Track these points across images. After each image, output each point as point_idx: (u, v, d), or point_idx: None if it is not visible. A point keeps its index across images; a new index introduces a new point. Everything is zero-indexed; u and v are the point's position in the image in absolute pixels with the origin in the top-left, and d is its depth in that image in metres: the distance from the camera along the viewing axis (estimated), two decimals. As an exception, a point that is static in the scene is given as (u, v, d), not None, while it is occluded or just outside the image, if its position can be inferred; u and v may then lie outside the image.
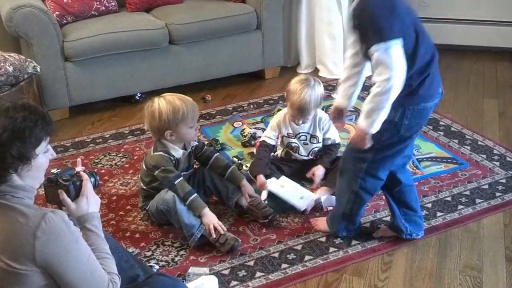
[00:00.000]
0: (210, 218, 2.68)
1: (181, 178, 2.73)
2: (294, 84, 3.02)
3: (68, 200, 1.91)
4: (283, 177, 3.07)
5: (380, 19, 2.16)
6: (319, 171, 3.07)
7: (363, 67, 2.50)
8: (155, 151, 2.78)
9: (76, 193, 1.93)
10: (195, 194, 2.71)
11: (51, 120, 1.79)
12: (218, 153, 3.01)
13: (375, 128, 2.28)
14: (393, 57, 2.16)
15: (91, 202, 1.94)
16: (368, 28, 2.20)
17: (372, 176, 2.52)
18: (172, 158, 2.76)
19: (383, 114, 2.25)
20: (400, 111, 2.33)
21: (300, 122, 3.07)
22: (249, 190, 2.90)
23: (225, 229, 2.71)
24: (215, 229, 2.66)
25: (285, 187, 3.01)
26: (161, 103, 2.69)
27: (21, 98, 2.41)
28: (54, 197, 1.93)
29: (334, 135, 3.16)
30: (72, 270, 1.70)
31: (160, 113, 2.67)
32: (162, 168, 2.71)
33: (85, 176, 1.97)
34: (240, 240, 2.72)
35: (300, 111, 2.99)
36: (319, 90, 3.01)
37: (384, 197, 2.78)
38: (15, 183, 1.71)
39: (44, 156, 1.77)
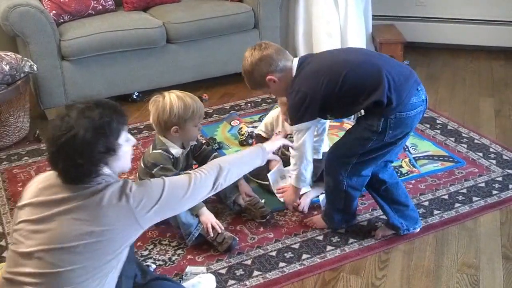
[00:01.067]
0: (208, 216, 2.69)
1: None
2: None
3: None
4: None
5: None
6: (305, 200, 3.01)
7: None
8: (154, 148, 2.78)
9: None
10: None
11: (123, 111, 1.94)
12: (216, 153, 3.01)
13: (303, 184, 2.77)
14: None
15: None
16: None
17: (356, 175, 2.59)
18: (171, 157, 2.76)
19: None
20: (383, 121, 2.41)
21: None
22: (247, 189, 2.91)
23: (223, 228, 2.72)
24: (213, 228, 2.67)
25: (284, 180, 3.01)
26: (173, 98, 2.69)
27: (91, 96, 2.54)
28: None
29: (324, 146, 3.10)
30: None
31: (172, 107, 2.67)
32: (161, 166, 2.71)
33: None
34: (237, 239, 2.72)
35: None
36: None
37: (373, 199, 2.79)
38: (106, 173, 1.88)
39: (127, 144, 1.94)
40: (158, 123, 2.72)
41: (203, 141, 3.56)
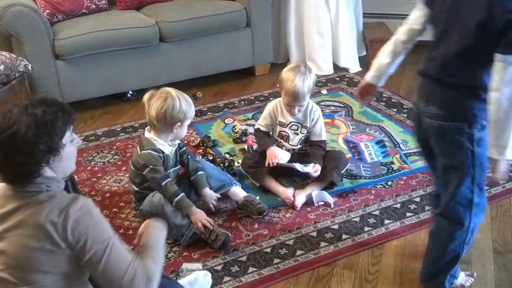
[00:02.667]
0: (198, 215, 2.72)
1: (169, 179, 2.76)
2: (286, 72, 3.05)
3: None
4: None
5: None
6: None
7: (410, 49, 2.37)
8: (142, 149, 2.79)
9: (73, 188, 1.97)
10: (182, 194, 2.75)
11: (71, 109, 1.81)
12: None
13: None
14: None
15: None
16: None
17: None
18: (162, 155, 2.78)
19: None
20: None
21: (296, 110, 3.06)
22: (210, 199, 2.91)
23: (214, 225, 2.75)
24: (205, 226, 2.70)
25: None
26: (180, 96, 2.73)
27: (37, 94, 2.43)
28: None
29: (322, 130, 3.17)
30: (99, 244, 1.73)
31: (180, 105, 2.70)
32: (151, 167, 2.73)
33: None
34: (230, 235, 2.76)
35: (296, 97, 3.00)
36: (311, 75, 3.04)
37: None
38: (48, 175, 1.75)
39: (71, 145, 1.81)
40: (164, 117, 2.71)
41: (198, 139, 3.62)
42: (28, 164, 1.69)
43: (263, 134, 3.21)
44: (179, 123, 2.74)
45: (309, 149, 3.19)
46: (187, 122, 2.79)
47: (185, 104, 2.72)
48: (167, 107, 2.69)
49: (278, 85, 3.12)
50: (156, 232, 2.03)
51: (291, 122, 3.15)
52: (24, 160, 1.68)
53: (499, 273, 2.55)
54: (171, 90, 2.75)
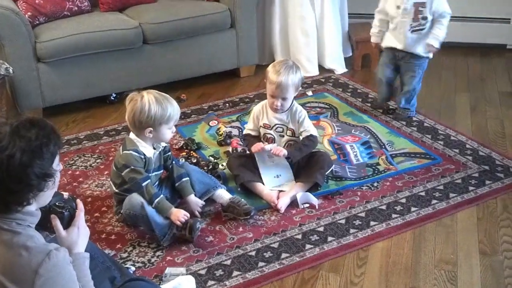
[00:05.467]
0: (176, 214, 2.70)
1: (148, 180, 2.73)
2: (273, 64, 3.09)
3: (61, 227, 1.88)
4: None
5: None
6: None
7: None
8: (124, 149, 2.76)
9: (68, 221, 1.91)
10: (161, 196, 2.73)
11: (59, 132, 1.77)
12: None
13: None
14: None
15: (81, 234, 1.92)
16: None
17: None
18: (143, 157, 2.75)
19: None
20: None
21: (279, 103, 3.03)
22: (195, 206, 2.89)
23: (188, 216, 2.72)
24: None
25: (271, 158, 3.07)
26: (151, 100, 2.67)
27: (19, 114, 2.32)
28: (44, 222, 1.87)
29: (309, 126, 3.13)
30: None
31: (149, 110, 2.66)
32: (131, 167, 2.70)
33: (80, 205, 1.95)
34: (200, 220, 2.76)
35: (278, 86, 2.98)
36: (298, 71, 3.05)
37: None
38: (27, 209, 1.69)
39: (58, 170, 1.76)
40: (133, 122, 2.71)
41: (182, 142, 3.58)
42: (20, 192, 1.64)
43: (252, 137, 3.19)
44: (150, 128, 2.70)
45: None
46: (164, 128, 2.73)
47: (156, 109, 2.66)
48: (135, 111, 2.68)
49: (265, 78, 3.11)
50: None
51: (276, 124, 3.13)
52: (16, 187, 1.63)
53: (486, 274, 2.53)
54: (146, 94, 2.70)
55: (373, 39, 3.90)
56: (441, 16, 3.59)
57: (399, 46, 3.70)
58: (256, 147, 3.07)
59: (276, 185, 3.06)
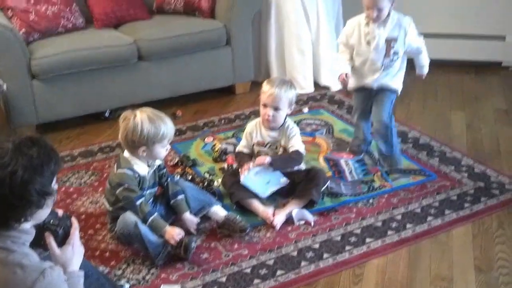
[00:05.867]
0: (171, 232, 2.68)
1: (142, 199, 2.72)
2: (269, 79, 3.18)
3: (55, 245, 1.87)
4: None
5: None
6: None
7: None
8: (119, 167, 2.75)
9: (63, 239, 1.90)
10: (155, 214, 2.72)
11: (58, 152, 1.78)
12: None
13: None
14: None
15: (75, 252, 1.91)
16: None
17: None
18: (137, 176, 2.74)
19: None
20: None
21: (270, 113, 3.05)
22: (191, 224, 2.88)
23: (183, 234, 2.70)
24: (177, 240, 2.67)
25: (258, 174, 3.06)
26: (144, 119, 2.66)
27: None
28: (38, 239, 1.87)
29: (297, 143, 3.13)
30: None
31: (142, 129, 2.65)
32: (125, 186, 2.69)
33: (75, 223, 1.95)
34: (195, 238, 2.73)
35: (270, 95, 3.02)
36: (293, 88, 3.10)
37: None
38: (23, 227, 1.70)
39: (55, 189, 1.78)
40: (126, 141, 2.71)
41: (177, 159, 3.57)
42: (20, 208, 1.65)
43: (244, 155, 3.19)
44: (144, 147, 2.69)
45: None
46: (158, 147, 2.72)
47: (149, 128, 2.65)
48: (128, 131, 2.67)
49: (260, 95, 3.14)
50: None
51: (269, 142, 3.14)
52: (18, 203, 1.63)
53: (482, 291, 2.52)
54: (139, 112, 2.70)
55: (343, 69, 3.30)
56: (417, 51, 3.31)
57: (369, 84, 3.32)
58: (242, 174, 3.07)
59: (272, 190, 3.04)
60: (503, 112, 4.28)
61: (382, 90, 3.32)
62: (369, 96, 3.40)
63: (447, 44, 5.09)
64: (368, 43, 3.21)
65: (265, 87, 3.08)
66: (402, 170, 3.42)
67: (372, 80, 3.30)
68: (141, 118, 2.66)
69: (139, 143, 2.68)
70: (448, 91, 4.68)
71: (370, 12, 3.11)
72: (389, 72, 3.27)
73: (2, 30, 3.66)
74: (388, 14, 3.13)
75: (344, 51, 3.34)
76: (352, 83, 3.40)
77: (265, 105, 3.07)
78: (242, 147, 3.24)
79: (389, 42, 3.18)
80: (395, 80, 3.32)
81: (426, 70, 3.39)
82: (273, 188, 3.06)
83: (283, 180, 3.08)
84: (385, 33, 3.17)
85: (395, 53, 3.21)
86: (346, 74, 3.27)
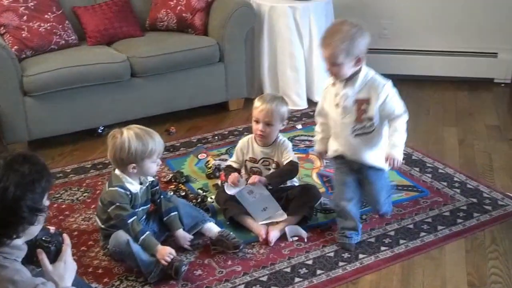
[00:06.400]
0: (161, 252, 2.67)
1: (134, 217, 2.71)
2: (260, 95, 3.21)
3: (47, 261, 1.86)
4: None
5: None
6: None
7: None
8: (110, 185, 2.75)
9: (55, 256, 1.90)
10: (147, 233, 2.70)
11: (50, 169, 1.79)
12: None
13: None
14: None
15: (68, 268, 1.91)
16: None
17: None
18: (128, 193, 2.73)
19: None
20: None
21: (262, 127, 3.05)
22: (184, 241, 2.88)
23: (174, 254, 2.69)
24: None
25: (252, 194, 3.03)
26: (131, 136, 2.66)
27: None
28: (30, 256, 1.86)
29: (292, 155, 3.13)
30: None
31: (129, 146, 2.65)
32: (117, 204, 2.68)
33: (67, 240, 1.94)
34: (185, 262, 2.72)
35: (263, 112, 3.03)
36: (284, 104, 3.11)
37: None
38: (14, 243, 1.70)
39: (47, 207, 1.78)
40: (115, 160, 2.71)
41: (170, 175, 3.57)
42: (12, 224, 1.65)
43: (232, 169, 3.18)
44: (133, 164, 2.69)
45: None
46: (147, 162, 2.71)
47: (136, 145, 2.65)
48: (116, 149, 2.67)
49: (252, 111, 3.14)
50: None
51: (262, 158, 3.14)
52: (9, 219, 1.63)
53: (476, 307, 2.52)
54: (125, 130, 2.70)
55: (316, 147, 3.06)
56: (395, 117, 2.73)
57: (347, 155, 2.86)
58: (229, 190, 3.05)
59: (266, 217, 3.04)
60: (496, 128, 4.30)
61: (367, 167, 2.86)
62: (350, 171, 2.90)
63: (440, 61, 5.13)
64: (337, 105, 2.76)
65: (257, 103, 3.08)
66: (394, 186, 3.42)
67: (347, 150, 2.84)
68: (128, 135, 2.67)
69: (128, 160, 2.67)
70: (441, 107, 4.70)
71: (327, 67, 2.69)
72: (367, 142, 2.77)
73: (-5, 47, 3.66)
74: (358, 72, 2.69)
75: (318, 127, 3.01)
76: (330, 152, 2.95)
77: (257, 121, 3.08)
78: (231, 161, 3.24)
79: (360, 105, 2.70)
80: (377, 153, 2.80)
81: (397, 152, 2.67)
82: (267, 217, 3.04)
83: (280, 213, 3.04)
84: (353, 94, 2.70)
85: (369, 119, 2.71)
86: (319, 154, 3.11)
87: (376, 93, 2.67)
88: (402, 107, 2.73)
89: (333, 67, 2.64)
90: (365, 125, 2.74)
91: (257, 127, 3.08)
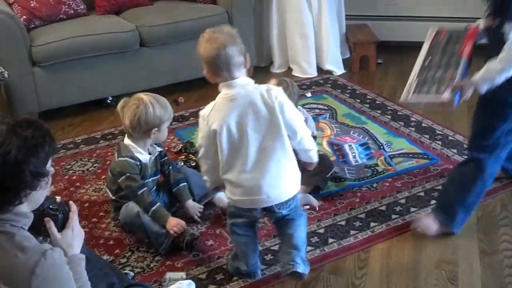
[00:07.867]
0: (171, 223, 2.67)
1: (145, 188, 2.71)
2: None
3: (55, 230, 1.86)
4: None
5: None
6: None
7: None
8: (119, 155, 2.75)
9: (62, 224, 1.90)
10: (157, 204, 2.71)
11: (54, 136, 1.77)
12: (172, 167, 2.96)
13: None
14: None
15: (76, 236, 1.91)
16: None
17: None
18: (138, 163, 2.74)
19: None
20: None
21: None
22: (194, 211, 2.88)
23: (185, 227, 2.70)
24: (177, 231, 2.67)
25: None
26: (152, 101, 2.69)
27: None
28: (37, 226, 1.86)
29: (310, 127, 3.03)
30: None
31: (154, 110, 2.67)
32: (127, 175, 2.69)
33: (73, 207, 1.95)
34: (197, 235, 2.74)
35: None
36: (294, 90, 3.02)
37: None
38: (19, 210, 1.69)
39: (51, 173, 1.76)
40: (138, 125, 2.68)
41: (180, 146, 3.57)
42: (14, 189, 1.64)
43: None
44: (156, 128, 2.70)
45: None
46: (165, 126, 2.75)
47: (158, 108, 2.68)
48: (140, 114, 2.66)
49: None
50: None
51: None
52: (11, 184, 1.62)
53: (486, 274, 2.52)
54: (143, 96, 2.72)
55: None
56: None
57: None
58: None
59: None
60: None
61: None
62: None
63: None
64: None
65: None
66: (405, 153, 3.41)
67: None
68: (149, 100, 2.69)
69: (152, 124, 2.69)
70: (451, 73, 4.65)
71: None
72: None
73: (3, 17, 3.64)
74: None
75: None
76: None
77: None
78: None
79: None
80: None
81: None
82: None
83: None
84: None
85: None
86: None
87: None
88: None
89: None
90: None
91: None
